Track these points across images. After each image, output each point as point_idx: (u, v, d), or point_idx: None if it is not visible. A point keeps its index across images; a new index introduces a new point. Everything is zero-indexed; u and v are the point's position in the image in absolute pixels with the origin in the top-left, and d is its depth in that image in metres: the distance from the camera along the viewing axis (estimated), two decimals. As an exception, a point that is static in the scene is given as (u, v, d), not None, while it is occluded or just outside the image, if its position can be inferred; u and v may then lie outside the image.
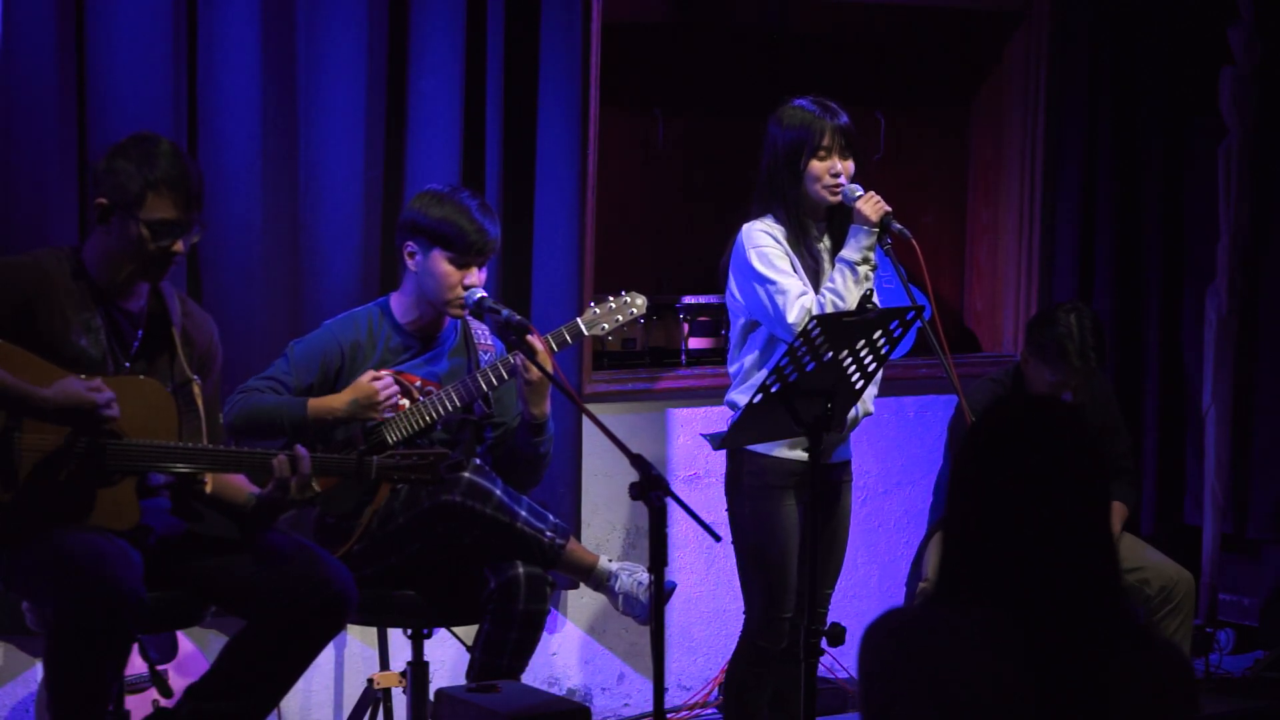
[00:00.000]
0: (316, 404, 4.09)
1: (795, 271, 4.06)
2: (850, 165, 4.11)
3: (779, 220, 4.11)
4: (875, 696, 2.29)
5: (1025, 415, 2.36)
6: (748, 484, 4.14)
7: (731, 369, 4.20)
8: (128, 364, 3.72)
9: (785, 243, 4.08)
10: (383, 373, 4.12)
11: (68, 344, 3.64)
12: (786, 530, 4.08)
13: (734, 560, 5.30)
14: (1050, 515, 2.28)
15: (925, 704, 2.24)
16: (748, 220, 4.13)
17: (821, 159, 4.08)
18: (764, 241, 4.06)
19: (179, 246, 3.68)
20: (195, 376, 3.77)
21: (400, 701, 4.36)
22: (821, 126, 4.08)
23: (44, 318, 3.64)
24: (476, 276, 4.18)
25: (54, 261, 3.71)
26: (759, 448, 4.09)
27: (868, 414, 4.16)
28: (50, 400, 3.50)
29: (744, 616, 4.27)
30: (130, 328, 3.75)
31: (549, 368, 4.08)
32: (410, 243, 4.21)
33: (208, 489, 3.79)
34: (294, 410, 4.07)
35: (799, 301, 3.98)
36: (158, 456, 3.64)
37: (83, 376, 3.57)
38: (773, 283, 4.02)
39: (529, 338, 4.04)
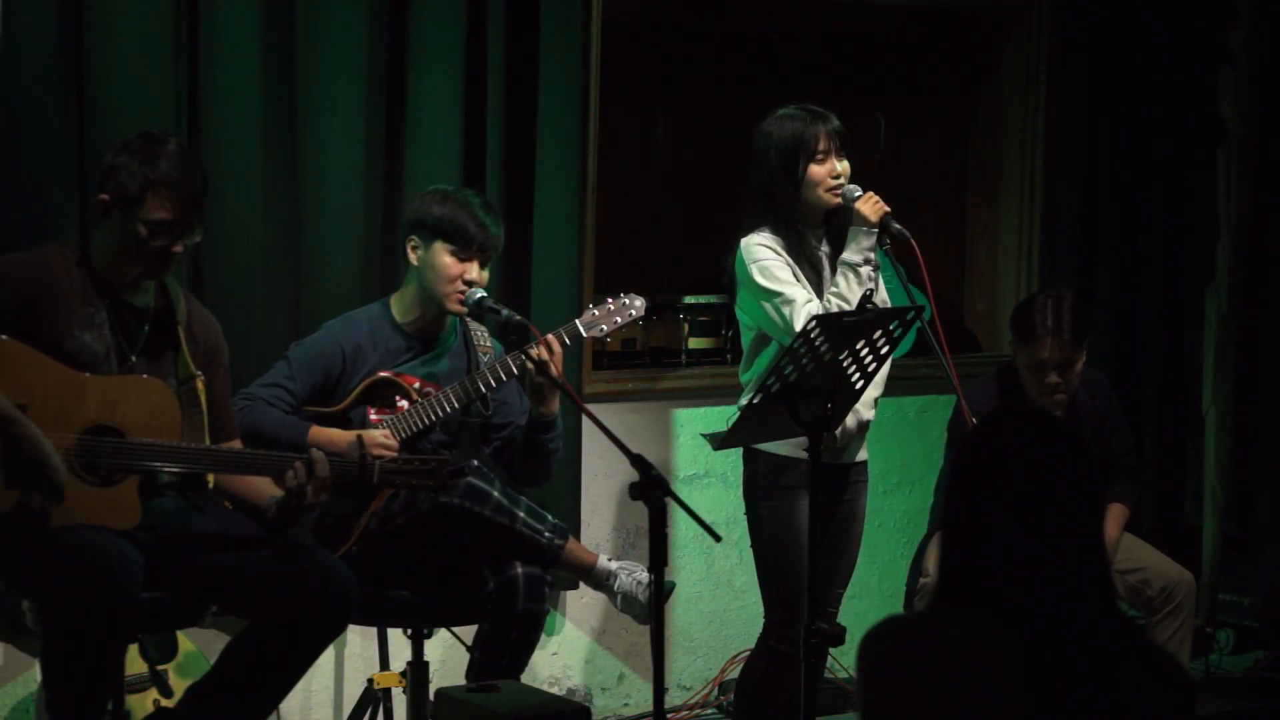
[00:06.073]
0: (317, 434, 4.08)
1: (797, 280, 4.05)
2: (846, 165, 4.11)
3: (775, 231, 4.10)
4: (874, 701, 2.29)
5: (1017, 425, 2.37)
6: (764, 485, 4.14)
7: (743, 378, 4.20)
8: (132, 359, 3.73)
9: (785, 253, 4.07)
10: (393, 440, 4.10)
11: (71, 339, 3.65)
12: (803, 530, 4.05)
13: (733, 560, 5.29)
14: (1043, 522, 2.29)
15: (923, 708, 2.25)
16: (742, 234, 4.12)
17: (820, 163, 4.08)
18: (763, 255, 4.05)
19: (178, 247, 3.68)
20: (199, 373, 3.78)
21: (400, 701, 4.36)
22: (815, 132, 4.07)
23: (48, 314, 3.64)
24: (477, 274, 4.19)
25: (58, 258, 3.71)
26: (773, 447, 4.09)
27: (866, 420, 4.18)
28: (20, 431, 3.47)
29: (763, 620, 4.24)
30: (136, 323, 3.76)
31: (559, 368, 4.09)
32: (414, 236, 4.23)
33: (210, 485, 3.79)
34: (295, 435, 4.07)
35: (805, 309, 3.97)
36: (160, 456, 3.64)
37: (86, 374, 3.58)
38: (778, 294, 4.01)
39: (549, 336, 4.08)
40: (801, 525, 4.04)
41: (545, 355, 4.05)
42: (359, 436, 3.93)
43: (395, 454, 4.02)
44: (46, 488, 3.47)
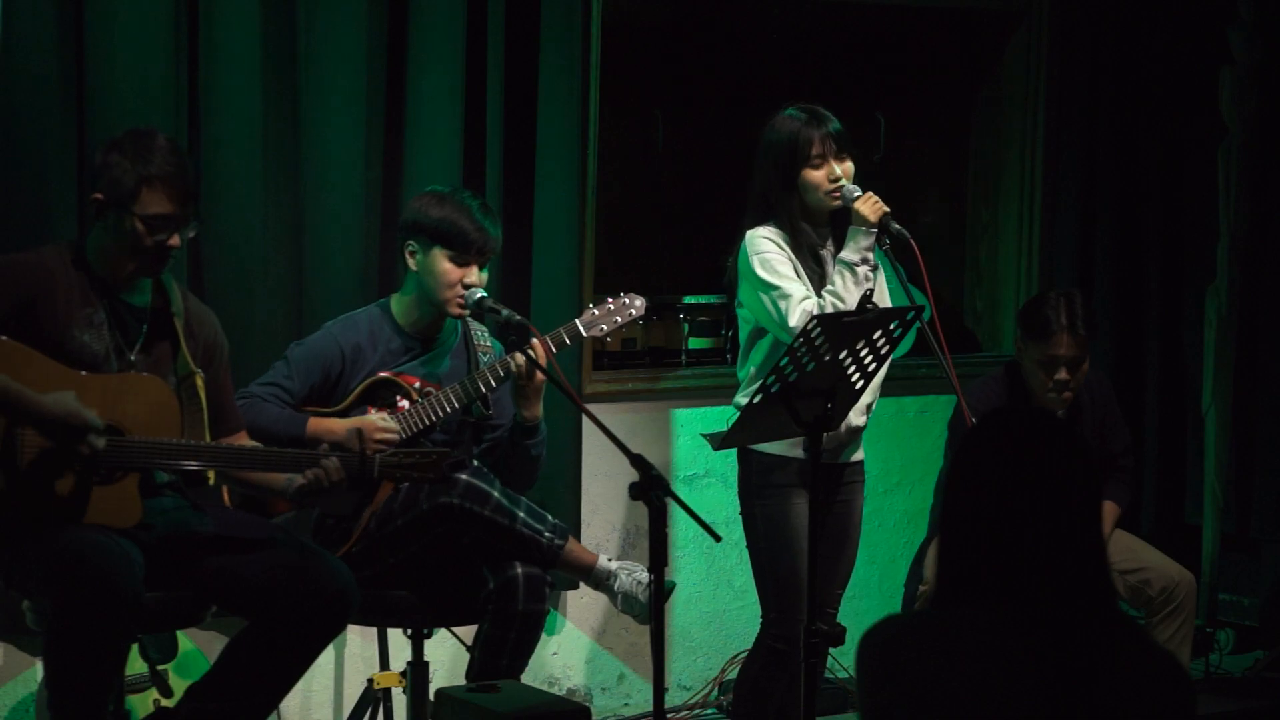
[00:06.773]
0: (316, 425, 4.09)
1: (798, 276, 4.05)
2: (849, 166, 4.10)
3: (780, 226, 4.09)
4: (874, 702, 2.29)
5: (1017, 423, 2.37)
6: (757, 484, 4.13)
7: (740, 374, 4.20)
8: (132, 357, 3.73)
9: (788, 248, 4.07)
10: (391, 421, 4.09)
11: (70, 339, 3.65)
12: (797, 529, 4.05)
13: (733, 560, 5.28)
14: (1042, 520, 2.29)
15: (923, 708, 2.24)
16: (746, 228, 4.12)
17: (816, 167, 4.07)
18: (766, 248, 4.05)
19: (174, 241, 3.69)
20: (199, 370, 3.79)
21: (400, 701, 4.36)
22: (810, 136, 4.06)
23: (47, 314, 3.64)
24: (477, 276, 4.18)
25: (56, 257, 3.72)
26: (766, 447, 4.08)
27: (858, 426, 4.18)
28: (44, 408, 3.49)
29: (760, 619, 4.24)
30: (135, 321, 3.76)
31: (545, 369, 4.09)
32: (411, 241, 4.22)
33: (210, 481, 3.80)
34: (293, 427, 4.07)
35: (801, 305, 3.97)
36: (160, 454, 3.65)
37: (84, 373, 3.58)
38: (775, 288, 4.01)
39: (545, 336, 4.08)
40: (794, 524, 4.05)
41: (534, 354, 4.05)
42: (358, 427, 3.94)
43: (395, 436, 4.04)
44: (85, 444, 3.49)
